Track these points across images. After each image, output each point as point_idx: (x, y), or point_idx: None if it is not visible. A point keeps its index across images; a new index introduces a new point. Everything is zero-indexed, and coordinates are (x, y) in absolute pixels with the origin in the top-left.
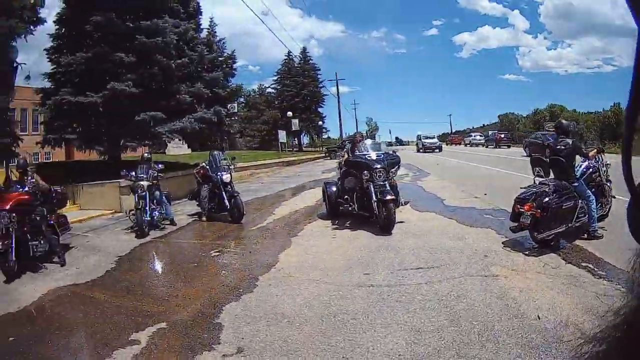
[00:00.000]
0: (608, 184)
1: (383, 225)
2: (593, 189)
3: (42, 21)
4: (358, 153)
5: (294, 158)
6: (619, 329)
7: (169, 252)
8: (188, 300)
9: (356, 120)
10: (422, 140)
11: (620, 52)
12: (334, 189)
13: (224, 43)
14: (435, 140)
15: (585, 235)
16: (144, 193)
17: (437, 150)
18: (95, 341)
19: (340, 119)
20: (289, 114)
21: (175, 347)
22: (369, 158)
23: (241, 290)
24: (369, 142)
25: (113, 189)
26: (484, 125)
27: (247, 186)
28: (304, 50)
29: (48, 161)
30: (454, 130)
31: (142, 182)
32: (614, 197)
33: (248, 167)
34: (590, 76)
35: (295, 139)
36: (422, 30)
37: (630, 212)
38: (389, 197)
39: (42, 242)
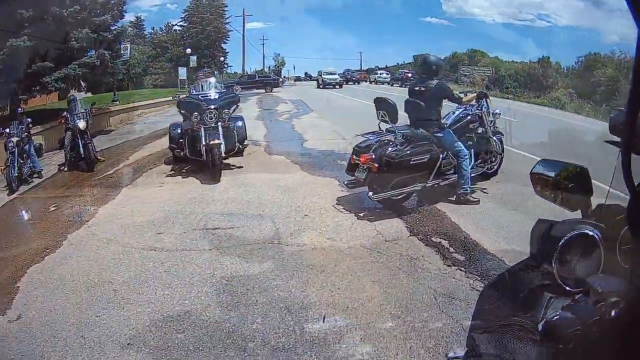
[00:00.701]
0: (496, 137)
1: (211, 172)
2: (469, 142)
3: None
4: (195, 92)
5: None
6: None
7: (20, 210)
8: (8, 261)
9: (263, 56)
10: (323, 76)
11: (557, 11)
12: (178, 131)
13: None
14: (336, 76)
15: (454, 198)
16: (13, 149)
17: (337, 87)
18: None
19: (243, 55)
20: (188, 50)
21: None
22: (202, 98)
23: (48, 250)
24: (212, 80)
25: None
26: (397, 64)
27: (129, 128)
28: None
29: None
30: (364, 68)
31: (12, 138)
32: (501, 154)
33: (139, 106)
34: (519, 27)
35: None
36: None
37: (631, 211)
38: (214, 142)
39: None
